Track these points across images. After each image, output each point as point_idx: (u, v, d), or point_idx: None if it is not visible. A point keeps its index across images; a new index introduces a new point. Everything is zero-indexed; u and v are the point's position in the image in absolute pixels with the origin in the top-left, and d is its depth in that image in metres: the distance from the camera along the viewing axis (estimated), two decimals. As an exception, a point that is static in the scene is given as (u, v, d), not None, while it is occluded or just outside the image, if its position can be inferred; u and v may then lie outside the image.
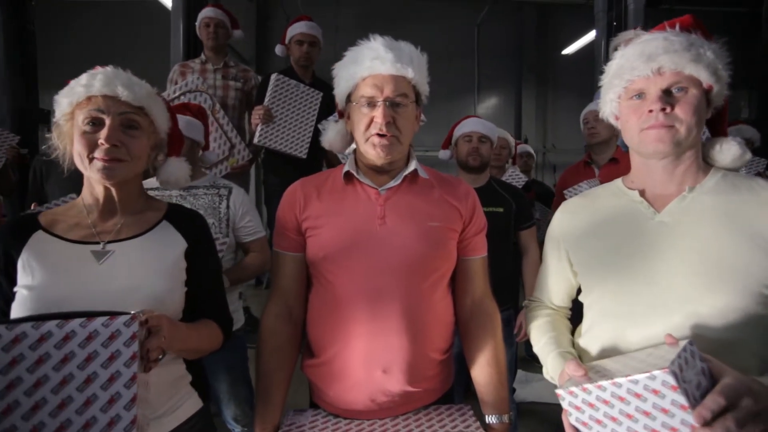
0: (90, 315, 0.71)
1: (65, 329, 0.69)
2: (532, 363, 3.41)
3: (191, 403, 1.01)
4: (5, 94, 2.70)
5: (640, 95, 0.81)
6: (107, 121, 0.90)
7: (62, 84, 0.94)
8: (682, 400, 0.61)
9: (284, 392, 1.03)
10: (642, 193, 0.87)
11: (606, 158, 2.12)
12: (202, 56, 2.45)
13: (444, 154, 2.11)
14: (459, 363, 1.15)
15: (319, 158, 2.45)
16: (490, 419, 1.00)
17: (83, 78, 0.92)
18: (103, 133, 0.89)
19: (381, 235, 0.97)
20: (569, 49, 6.64)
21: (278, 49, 2.49)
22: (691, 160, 0.83)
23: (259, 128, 2.12)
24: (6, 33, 2.74)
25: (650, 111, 0.78)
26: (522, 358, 3.46)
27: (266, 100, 2.13)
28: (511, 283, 2.01)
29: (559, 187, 2.32)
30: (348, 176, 1.02)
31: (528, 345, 3.48)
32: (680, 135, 0.78)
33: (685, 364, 0.63)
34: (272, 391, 1.01)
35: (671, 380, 0.61)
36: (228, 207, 1.60)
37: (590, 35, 5.16)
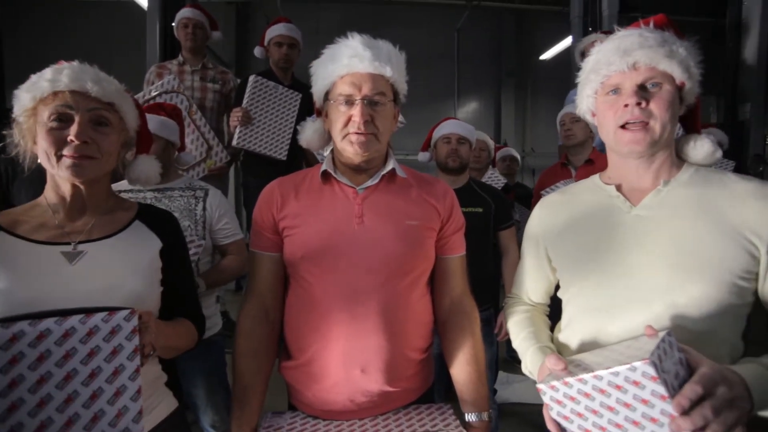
0: (70, 312, 0.71)
1: (64, 326, 0.69)
2: (513, 364, 3.44)
3: (167, 403, 0.98)
4: (-29, 94, 2.61)
5: (616, 90, 0.82)
6: (77, 118, 0.87)
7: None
8: (661, 390, 0.62)
9: (262, 395, 1.01)
10: (618, 188, 0.89)
11: (582, 159, 2.15)
12: (180, 57, 2.41)
13: (423, 156, 2.12)
14: (439, 363, 1.15)
15: (299, 159, 2.43)
16: (470, 417, 1.00)
17: (47, 72, 0.88)
18: (73, 129, 0.86)
19: (359, 234, 0.96)
20: (547, 55, 6.77)
21: (257, 51, 2.46)
22: (666, 156, 0.85)
23: (237, 130, 2.09)
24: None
25: (626, 106, 0.80)
26: (503, 360, 3.48)
27: (245, 101, 2.10)
28: (491, 283, 2.03)
29: (537, 189, 2.35)
30: (325, 175, 1.01)
31: (509, 346, 3.50)
32: (655, 135, 0.80)
33: (664, 354, 0.64)
34: (249, 394, 0.99)
35: (651, 371, 0.61)
36: (204, 209, 1.57)
37: (567, 41, 5.27)
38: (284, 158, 2.19)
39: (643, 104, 0.79)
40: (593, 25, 3.13)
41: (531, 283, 1.05)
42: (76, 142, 0.86)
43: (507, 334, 1.57)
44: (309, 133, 1.07)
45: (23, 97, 0.88)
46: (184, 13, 2.38)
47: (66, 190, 0.91)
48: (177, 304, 0.98)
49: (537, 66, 7.16)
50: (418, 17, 7.33)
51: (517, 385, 3.05)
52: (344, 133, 0.95)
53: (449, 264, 1.06)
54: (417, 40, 7.11)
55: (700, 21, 5.92)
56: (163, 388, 0.98)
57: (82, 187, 0.91)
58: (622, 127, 0.81)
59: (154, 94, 2.12)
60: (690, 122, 0.90)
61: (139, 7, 4.70)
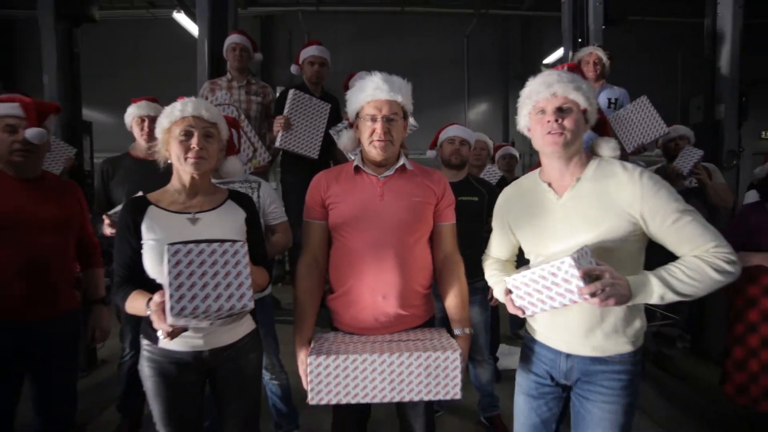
0: (207, 241, 1.18)
1: (212, 247, 1.15)
2: (515, 339, 3.87)
3: (249, 323, 1.48)
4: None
5: (542, 111, 1.27)
6: (196, 133, 1.36)
7: (97, 96, 1.41)
8: (576, 272, 1.07)
9: (314, 318, 1.48)
10: (549, 184, 1.33)
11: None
12: (228, 75, 2.90)
13: (431, 153, 2.58)
14: (442, 324, 1.59)
15: (327, 159, 2.90)
16: (456, 331, 1.46)
17: (178, 105, 1.38)
18: (194, 141, 1.35)
19: (380, 207, 1.44)
20: (549, 59, 7.15)
21: (293, 69, 2.95)
22: (577, 159, 1.29)
23: (280, 134, 2.57)
24: (58, 57, 3.21)
25: (548, 121, 1.25)
26: (506, 336, 3.91)
27: (285, 111, 2.58)
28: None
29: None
30: (357, 169, 1.49)
31: (512, 323, 3.94)
32: (567, 140, 1.24)
33: (580, 257, 1.10)
34: (306, 317, 1.47)
35: (571, 261, 1.08)
36: (259, 197, 2.04)
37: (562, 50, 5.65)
38: (317, 157, 2.66)
39: (560, 120, 1.23)
40: (582, 36, 3.53)
41: (498, 245, 1.50)
42: (197, 149, 1.35)
43: (498, 301, 1.99)
44: (345, 139, 1.55)
45: (162, 121, 1.38)
46: (233, 38, 2.87)
47: (187, 180, 1.40)
48: (255, 255, 1.46)
49: (542, 70, 7.47)
50: (429, 26, 7.77)
51: (517, 356, 3.46)
52: (370, 140, 1.42)
53: (442, 229, 1.52)
54: (428, 47, 7.54)
55: (694, 22, 6.24)
56: (248, 315, 1.46)
57: (197, 177, 1.40)
58: (547, 134, 1.26)
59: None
60: (601, 129, 1.35)
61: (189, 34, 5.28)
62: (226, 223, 1.41)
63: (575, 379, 1.30)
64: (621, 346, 1.25)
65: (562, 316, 1.27)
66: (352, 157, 1.56)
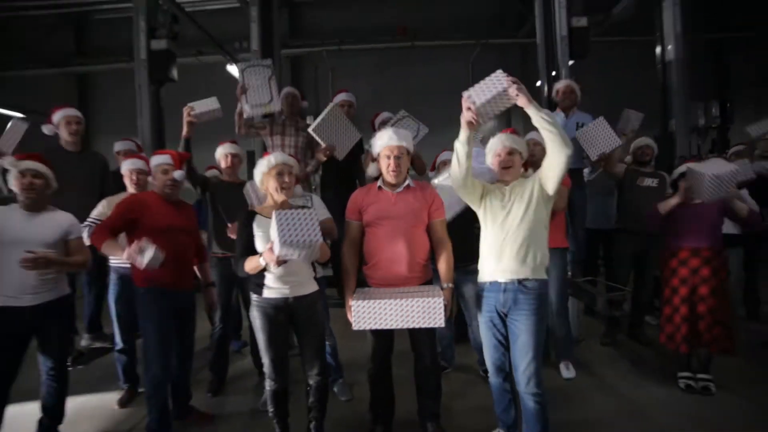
0: None
1: (298, 211, 2.04)
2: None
3: (315, 285, 2.39)
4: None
5: (499, 155, 2.19)
6: (285, 172, 2.30)
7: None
8: (503, 74, 2.04)
9: (355, 278, 2.40)
10: (506, 184, 2.23)
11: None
12: (282, 116, 3.84)
13: (432, 174, 3.47)
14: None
15: (354, 180, 3.79)
16: (443, 285, 2.34)
17: (272, 157, 2.32)
18: (286, 178, 2.29)
19: (394, 211, 2.35)
20: (539, 82, 7.98)
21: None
22: (518, 175, 2.20)
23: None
24: (151, 110, 4.29)
25: (502, 159, 2.18)
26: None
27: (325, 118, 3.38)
28: (474, 248, 3.33)
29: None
30: (379, 188, 2.41)
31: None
32: (515, 172, 2.16)
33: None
34: (351, 277, 2.39)
35: (501, 71, 2.04)
36: (312, 203, 2.92)
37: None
38: (341, 158, 3.39)
39: (509, 161, 2.15)
40: (555, 70, 4.40)
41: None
42: (288, 182, 2.29)
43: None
44: (372, 168, 2.50)
45: (262, 166, 2.32)
46: (287, 90, 3.84)
47: (278, 200, 2.33)
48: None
49: (538, 92, 8.35)
50: (437, 54, 8.72)
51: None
52: (387, 170, 2.35)
53: (434, 223, 2.42)
54: (437, 75, 8.48)
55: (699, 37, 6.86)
56: (313, 278, 2.39)
57: (286, 198, 2.33)
58: (502, 168, 2.17)
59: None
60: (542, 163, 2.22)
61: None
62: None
63: (509, 307, 2.17)
64: (538, 274, 2.14)
65: (501, 257, 2.15)
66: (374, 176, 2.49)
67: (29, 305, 2.29)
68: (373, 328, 2.19)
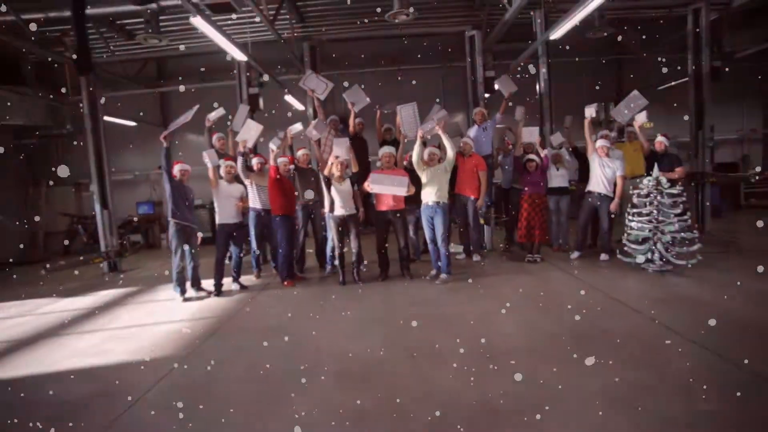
0: None
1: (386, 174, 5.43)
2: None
3: (354, 210, 5.73)
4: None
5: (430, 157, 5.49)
6: (341, 164, 5.61)
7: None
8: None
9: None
10: (431, 165, 5.53)
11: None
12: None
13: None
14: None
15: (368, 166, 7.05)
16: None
17: (335, 152, 5.61)
18: (343, 165, 5.60)
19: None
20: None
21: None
22: (435, 162, 5.50)
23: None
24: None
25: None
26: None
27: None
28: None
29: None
30: (379, 171, 5.71)
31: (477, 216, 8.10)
32: (435, 161, 5.45)
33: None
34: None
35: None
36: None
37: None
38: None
39: (432, 160, 5.46)
40: (479, 100, 7.67)
41: None
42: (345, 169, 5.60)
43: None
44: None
45: (332, 158, 5.60)
46: (332, 117, 7.02)
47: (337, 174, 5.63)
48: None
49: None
50: (417, 75, 11.81)
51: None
52: (385, 166, 5.66)
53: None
54: (417, 88, 11.64)
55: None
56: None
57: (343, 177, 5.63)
58: (429, 160, 5.47)
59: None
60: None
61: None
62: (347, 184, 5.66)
63: (433, 212, 5.49)
64: (443, 198, 5.51)
65: (429, 194, 5.48)
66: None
67: (232, 222, 5.64)
68: (375, 192, 5.50)
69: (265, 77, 8.31)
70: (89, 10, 6.58)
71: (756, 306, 4.07)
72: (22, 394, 3.16)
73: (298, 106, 9.80)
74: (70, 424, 2.70)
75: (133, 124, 10.81)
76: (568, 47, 7.82)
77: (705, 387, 2.58)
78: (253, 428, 2.59)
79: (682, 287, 4.81)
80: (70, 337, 4.53)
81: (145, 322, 4.84)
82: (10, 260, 9.26)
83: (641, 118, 6.47)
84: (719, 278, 4.99)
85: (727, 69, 8.24)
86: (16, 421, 2.77)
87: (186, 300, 5.60)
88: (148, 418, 2.76)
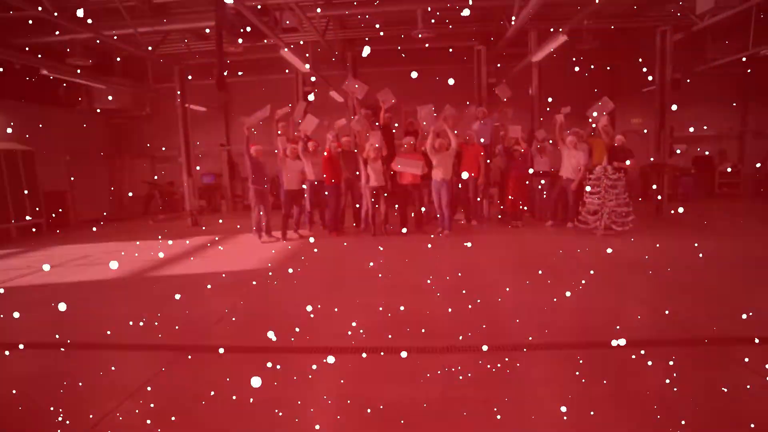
0: None
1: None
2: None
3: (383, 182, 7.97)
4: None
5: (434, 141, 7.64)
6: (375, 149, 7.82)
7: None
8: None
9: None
10: (439, 153, 7.69)
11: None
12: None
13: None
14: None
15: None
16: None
17: (371, 139, 7.82)
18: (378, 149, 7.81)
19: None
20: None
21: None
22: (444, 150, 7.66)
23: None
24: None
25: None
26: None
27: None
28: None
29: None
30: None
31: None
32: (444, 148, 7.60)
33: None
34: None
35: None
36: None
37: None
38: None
39: (440, 147, 7.61)
40: (480, 103, 9.73)
41: None
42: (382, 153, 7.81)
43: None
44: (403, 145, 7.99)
45: (367, 144, 7.81)
46: (366, 111, 9.15)
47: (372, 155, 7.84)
48: None
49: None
50: (434, 74, 13.76)
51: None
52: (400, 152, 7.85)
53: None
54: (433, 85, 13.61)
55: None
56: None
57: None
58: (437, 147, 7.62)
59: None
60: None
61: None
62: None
63: (440, 186, 7.67)
64: (448, 176, 7.69)
65: (437, 173, 7.67)
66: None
67: (295, 189, 7.93)
68: (399, 171, 7.73)
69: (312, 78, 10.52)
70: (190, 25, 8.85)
71: (646, 252, 6.18)
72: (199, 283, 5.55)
73: (338, 98, 11.98)
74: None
75: (203, 109, 13.09)
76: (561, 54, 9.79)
77: (583, 281, 4.78)
78: (332, 287, 4.93)
79: (609, 243, 6.90)
80: (203, 258, 6.96)
81: (247, 251, 7.25)
82: (104, 214, 11.83)
83: (603, 121, 8.45)
84: (639, 239, 7.06)
85: (688, 80, 10.07)
86: (201, 291, 5.14)
87: (263, 242, 7.95)
88: (278, 287, 5.13)
